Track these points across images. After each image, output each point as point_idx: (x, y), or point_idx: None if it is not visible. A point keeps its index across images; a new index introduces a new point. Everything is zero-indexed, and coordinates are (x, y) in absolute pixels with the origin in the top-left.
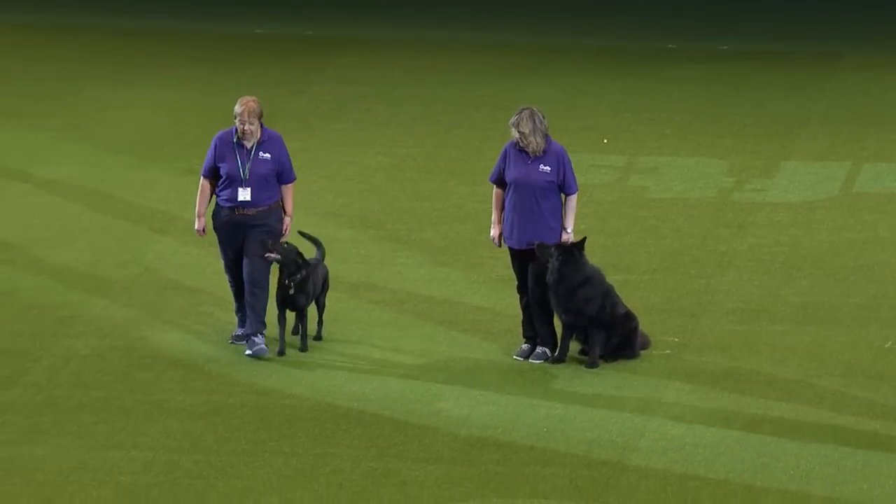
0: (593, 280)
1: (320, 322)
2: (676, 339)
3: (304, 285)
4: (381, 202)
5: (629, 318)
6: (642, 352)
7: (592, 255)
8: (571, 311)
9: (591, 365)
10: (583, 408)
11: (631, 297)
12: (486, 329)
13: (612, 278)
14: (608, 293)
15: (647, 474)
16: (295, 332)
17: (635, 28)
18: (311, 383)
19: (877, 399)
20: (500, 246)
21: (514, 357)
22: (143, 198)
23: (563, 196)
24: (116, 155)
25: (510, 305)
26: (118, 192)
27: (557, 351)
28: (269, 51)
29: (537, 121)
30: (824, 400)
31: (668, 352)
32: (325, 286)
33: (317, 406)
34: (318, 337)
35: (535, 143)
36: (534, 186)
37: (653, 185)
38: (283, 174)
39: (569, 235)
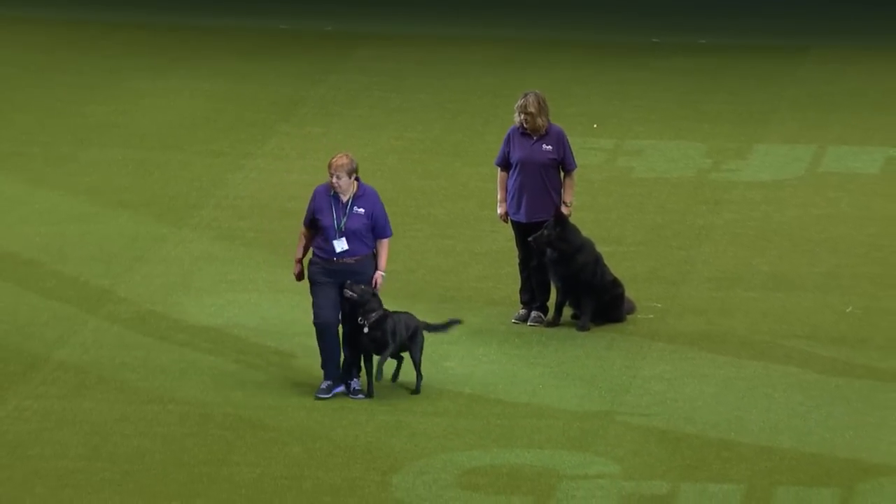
0: (586, 248)
1: (419, 376)
2: (659, 305)
3: (380, 325)
4: (393, 181)
5: (616, 284)
6: (628, 316)
7: (583, 229)
8: (568, 277)
9: (583, 328)
10: (574, 366)
11: (618, 266)
12: (488, 296)
13: (601, 249)
14: (598, 260)
15: (632, 426)
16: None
17: (622, 24)
18: None
19: (839, 357)
20: (507, 223)
21: (513, 321)
22: (178, 177)
23: (562, 173)
24: (155, 139)
25: (509, 274)
26: (156, 172)
27: (552, 316)
28: (292, 44)
29: (542, 102)
30: (792, 359)
31: (651, 316)
32: (414, 339)
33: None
34: (416, 390)
35: (539, 122)
36: (538, 164)
37: (638, 165)
38: (376, 228)
39: (568, 209)
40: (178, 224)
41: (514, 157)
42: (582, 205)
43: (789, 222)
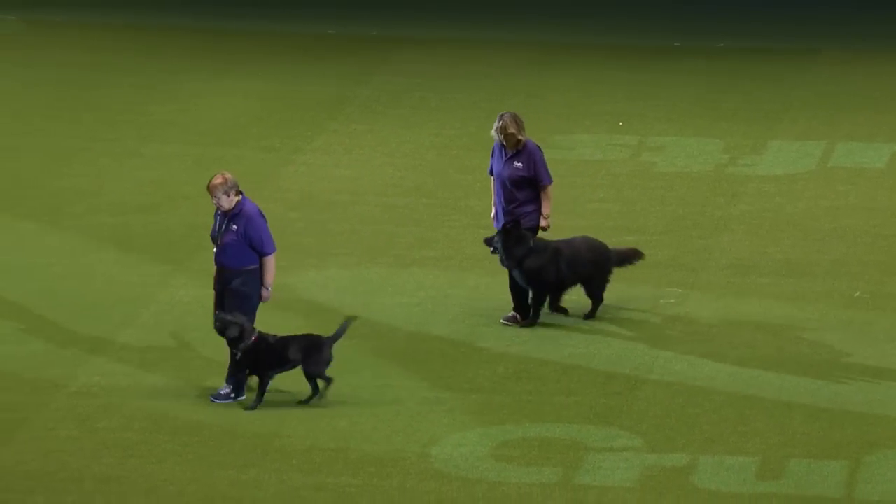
0: (534, 254)
1: (313, 388)
2: (680, 290)
3: (252, 351)
4: (432, 175)
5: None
6: (638, 262)
7: (608, 220)
8: (526, 281)
9: (589, 317)
10: (601, 347)
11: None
12: None
13: (625, 239)
14: (555, 258)
15: (655, 403)
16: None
17: (645, 28)
18: (374, 327)
19: (847, 339)
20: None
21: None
22: (233, 171)
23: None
24: (211, 135)
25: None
26: (213, 167)
27: (530, 316)
28: (339, 48)
29: (518, 121)
30: (803, 340)
31: (672, 301)
32: (309, 356)
33: (378, 347)
34: (306, 401)
35: (519, 139)
36: (509, 180)
37: (660, 160)
38: (253, 246)
39: (546, 220)
40: None
41: (494, 171)
42: (607, 197)
43: (801, 213)
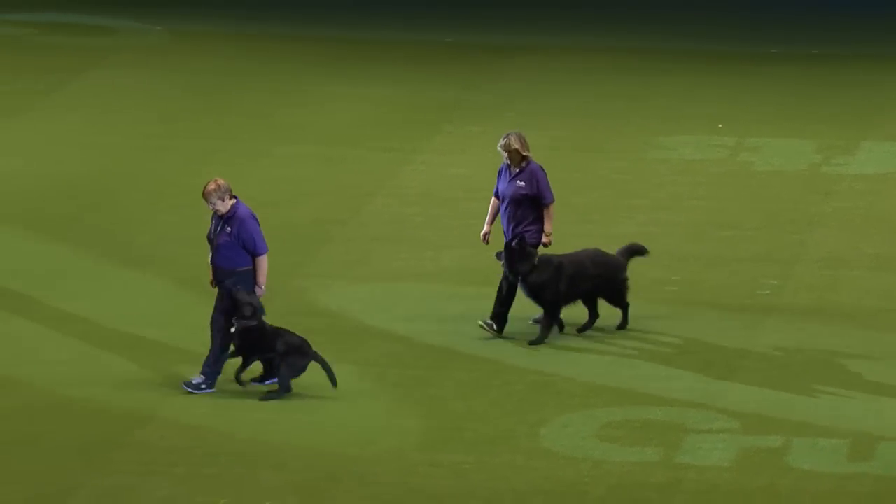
0: (540, 266)
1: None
2: (775, 282)
3: (244, 334)
4: None
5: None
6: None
7: (707, 217)
8: (530, 295)
9: (581, 330)
10: (700, 335)
11: (739, 248)
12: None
13: (722, 234)
14: (558, 274)
15: (751, 387)
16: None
17: (744, 36)
18: (486, 312)
19: None
20: (486, 243)
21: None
22: (356, 170)
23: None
24: (336, 137)
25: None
26: (337, 165)
27: (538, 337)
28: (455, 54)
29: (522, 140)
30: (892, 329)
31: (767, 292)
32: (285, 359)
33: (496, 338)
34: (265, 398)
35: (519, 156)
36: (512, 198)
37: (757, 160)
38: (247, 248)
39: (548, 237)
40: (356, 210)
41: (499, 190)
42: (706, 195)
43: (891, 210)
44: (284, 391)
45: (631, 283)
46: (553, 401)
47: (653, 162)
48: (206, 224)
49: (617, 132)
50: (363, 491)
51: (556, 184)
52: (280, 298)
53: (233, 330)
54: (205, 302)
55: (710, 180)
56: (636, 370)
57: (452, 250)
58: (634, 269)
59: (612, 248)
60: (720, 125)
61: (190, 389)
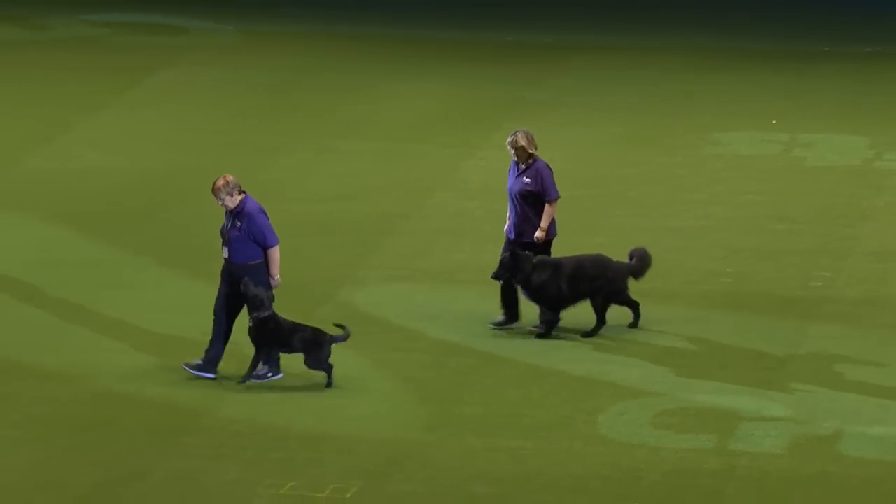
0: (539, 267)
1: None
2: (827, 275)
3: (259, 326)
4: (597, 168)
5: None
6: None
7: (761, 210)
8: (530, 296)
9: (588, 335)
10: (753, 325)
11: (792, 241)
12: (680, 265)
13: (776, 227)
14: (556, 275)
15: (803, 376)
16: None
17: (798, 34)
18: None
19: None
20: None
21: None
22: (418, 165)
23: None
24: (399, 133)
25: (699, 248)
26: (400, 160)
27: (545, 328)
28: (515, 53)
29: (529, 138)
30: None
31: (820, 284)
32: (309, 352)
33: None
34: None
35: (526, 153)
36: (518, 194)
37: (810, 155)
38: (257, 241)
39: (540, 233)
40: (419, 203)
41: (508, 186)
42: (760, 189)
43: None
44: (328, 373)
45: (686, 274)
46: (608, 390)
47: (708, 157)
48: (276, 218)
49: (673, 128)
50: (425, 474)
51: (613, 178)
52: (345, 290)
53: (249, 325)
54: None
55: (764, 175)
56: (689, 360)
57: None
58: (688, 261)
59: (668, 242)
60: (774, 121)
61: (190, 370)
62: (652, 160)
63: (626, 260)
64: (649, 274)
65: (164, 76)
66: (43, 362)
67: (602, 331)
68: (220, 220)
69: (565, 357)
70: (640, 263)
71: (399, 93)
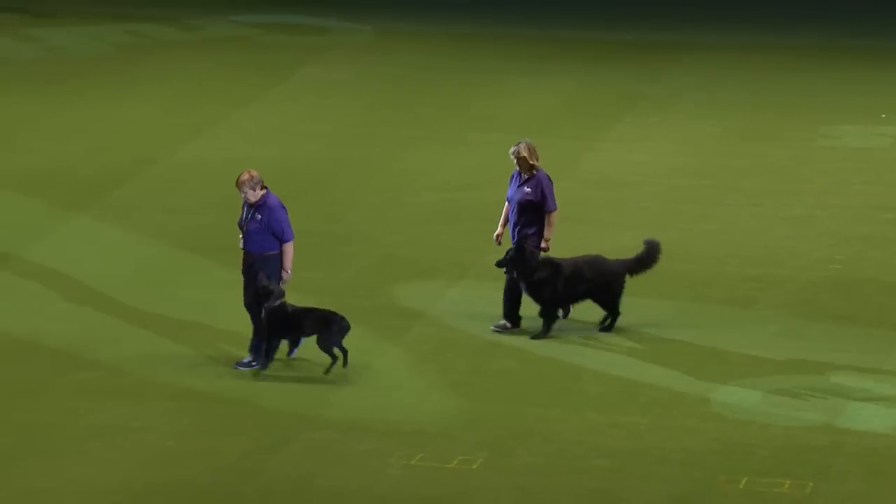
0: (541, 268)
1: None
2: None
3: (272, 315)
4: (710, 160)
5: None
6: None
7: (872, 199)
8: (530, 294)
9: (605, 329)
10: (862, 308)
11: None
12: (790, 251)
13: (884, 216)
14: (556, 275)
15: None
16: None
17: None
18: (655, 287)
19: None
20: (498, 244)
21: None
22: (542, 156)
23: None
24: (523, 126)
25: (813, 235)
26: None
27: (541, 330)
28: (634, 51)
29: (531, 149)
30: None
31: None
32: (322, 332)
33: (660, 305)
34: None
35: (528, 164)
36: (518, 203)
37: None
38: (275, 234)
39: (545, 243)
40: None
41: (508, 194)
42: (870, 180)
43: None
44: (344, 353)
45: (797, 261)
46: (721, 369)
47: (819, 150)
48: (410, 206)
49: (784, 122)
50: (547, 448)
51: (727, 169)
52: (475, 270)
53: (261, 315)
54: (398, 274)
55: (873, 167)
56: (800, 341)
57: (630, 230)
58: (800, 248)
59: (780, 230)
60: (883, 115)
61: (241, 368)
62: (765, 153)
63: (652, 252)
64: (761, 260)
65: (307, 73)
66: (187, 340)
67: (703, 320)
68: (361, 209)
69: (678, 342)
70: (645, 256)
71: (524, 89)
